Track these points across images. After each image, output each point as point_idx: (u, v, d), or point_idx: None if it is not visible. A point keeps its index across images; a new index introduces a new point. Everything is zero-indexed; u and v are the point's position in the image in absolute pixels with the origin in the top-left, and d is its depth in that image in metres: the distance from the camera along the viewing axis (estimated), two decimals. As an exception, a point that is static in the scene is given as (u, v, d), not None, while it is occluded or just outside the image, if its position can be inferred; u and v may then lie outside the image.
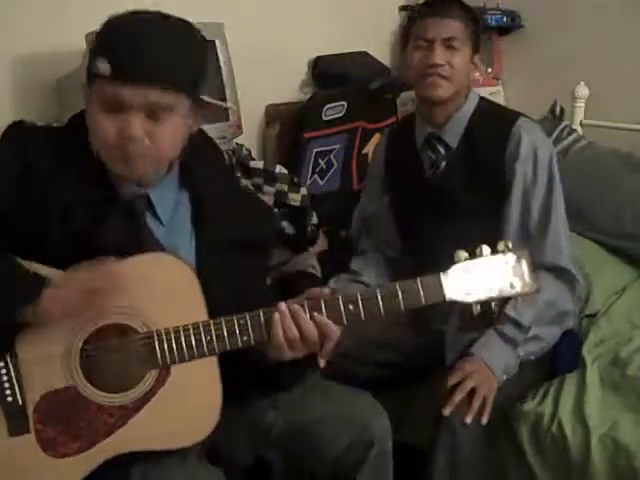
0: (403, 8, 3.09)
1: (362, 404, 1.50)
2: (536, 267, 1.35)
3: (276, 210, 2.37)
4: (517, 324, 1.73)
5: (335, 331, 1.29)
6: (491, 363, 1.70)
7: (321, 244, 2.54)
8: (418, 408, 1.92)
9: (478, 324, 1.65)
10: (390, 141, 2.08)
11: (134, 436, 1.26)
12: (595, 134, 2.67)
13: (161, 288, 1.28)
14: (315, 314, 1.28)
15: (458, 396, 1.64)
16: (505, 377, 1.71)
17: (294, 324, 1.27)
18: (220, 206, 1.43)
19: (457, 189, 1.88)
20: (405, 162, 1.99)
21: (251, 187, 2.39)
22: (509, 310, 1.63)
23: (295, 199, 2.42)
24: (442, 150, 1.91)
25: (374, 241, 2.13)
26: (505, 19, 3.02)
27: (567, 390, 1.80)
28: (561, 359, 1.88)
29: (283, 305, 1.28)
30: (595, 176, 2.45)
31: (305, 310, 1.28)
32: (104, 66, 1.25)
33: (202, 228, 1.41)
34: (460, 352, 1.82)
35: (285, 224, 2.38)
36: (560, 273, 1.81)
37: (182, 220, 1.42)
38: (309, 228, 2.44)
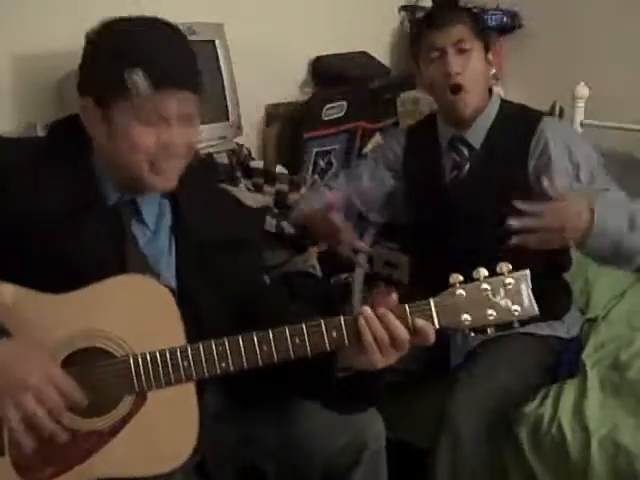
0: (403, 8, 3.10)
1: None
2: None
3: (276, 210, 2.37)
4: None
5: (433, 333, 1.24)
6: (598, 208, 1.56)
7: (321, 244, 2.54)
8: (420, 410, 1.92)
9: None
10: (410, 140, 2.02)
11: (109, 461, 1.23)
12: (595, 134, 2.67)
13: (138, 311, 1.25)
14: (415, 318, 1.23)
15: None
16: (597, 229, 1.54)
17: (383, 327, 1.22)
18: (199, 208, 1.41)
19: (478, 192, 1.84)
20: (423, 163, 1.95)
21: (251, 187, 2.39)
22: None
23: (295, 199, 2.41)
24: (465, 151, 1.88)
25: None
26: (505, 19, 3.03)
27: (567, 392, 1.80)
28: (562, 365, 1.88)
29: (368, 309, 1.23)
30: (595, 176, 2.45)
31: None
32: (141, 80, 1.23)
33: (181, 232, 1.39)
34: (465, 356, 1.82)
35: (285, 224, 2.37)
36: None
37: (165, 227, 1.40)
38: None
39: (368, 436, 1.44)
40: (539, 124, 1.83)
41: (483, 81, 1.85)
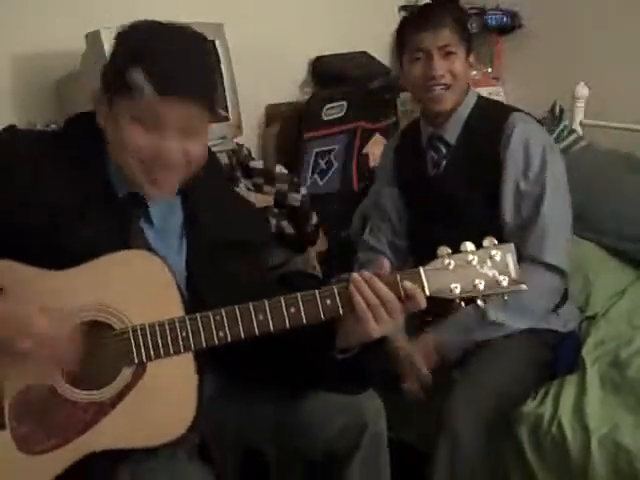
0: (403, 8, 3.10)
1: None
2: (520, 259, 1.32)
3: (276, 210, 2.37)
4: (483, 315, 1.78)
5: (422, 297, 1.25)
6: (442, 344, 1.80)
7: (321, 244, 2.54)
8: (418, 410, 1.91)
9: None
10: (399, 143, 2.10)
11: (109, 433, 1.24)
12: (595, 134, 2.67)
13: (135, 284, 1.27)
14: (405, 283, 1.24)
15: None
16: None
17: (372, 291, 1.24)
18: (211, 208, 1.42)
19: (457, 186, 1.90)
20: (411, 163, 2.02)
21: (251, 187, 2.39)
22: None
23: (295, 199, 2.42)
24: (443, 149, 1.94)
25: (381, 235, 2.10)
26: (505, 19, 3.04)
27: (567, 391, 1.79)
28: (561, 361, 1.88)
29: (356, 274, 1.25)
30: (595, 176, 2.44)
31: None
32: (146, 82, 1.22)
33: (193, 231, 1.40)
34: (461, 355, 1.82)
35: (285, 224, 2.38)
36: (542, 268, 1.81)
37: (174, 224, 1.40)
38: (309, 228, 2.44)
39: (367, 415, 1.44)
40: (510, 115, 1.89)
41: (463, 82, 1.90)
